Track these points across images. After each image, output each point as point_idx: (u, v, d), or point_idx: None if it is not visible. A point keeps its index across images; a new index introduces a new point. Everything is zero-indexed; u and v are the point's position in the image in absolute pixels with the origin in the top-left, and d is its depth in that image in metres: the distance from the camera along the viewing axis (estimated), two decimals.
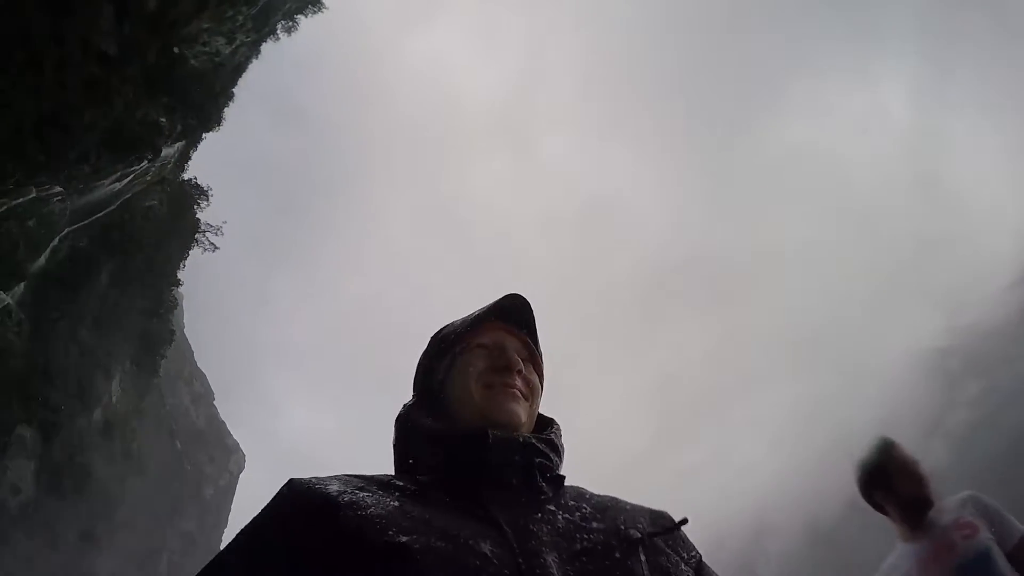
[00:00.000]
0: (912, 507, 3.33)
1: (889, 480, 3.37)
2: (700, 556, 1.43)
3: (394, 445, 1.61)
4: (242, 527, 1.31)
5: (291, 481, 1.35)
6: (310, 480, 1.34)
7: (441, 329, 1.74)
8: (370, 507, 1.25)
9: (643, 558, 1.27)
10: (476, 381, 1.57)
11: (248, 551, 1.28)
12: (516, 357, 1.61)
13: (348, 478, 1.37)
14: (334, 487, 1.31)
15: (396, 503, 1.29)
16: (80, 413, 32.02)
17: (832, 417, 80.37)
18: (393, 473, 1.54)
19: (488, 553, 1.20)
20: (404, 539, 1.18)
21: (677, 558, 1.34)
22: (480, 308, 1.71)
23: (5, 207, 22.51)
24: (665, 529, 1.39)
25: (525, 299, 1.70)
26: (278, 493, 1.33)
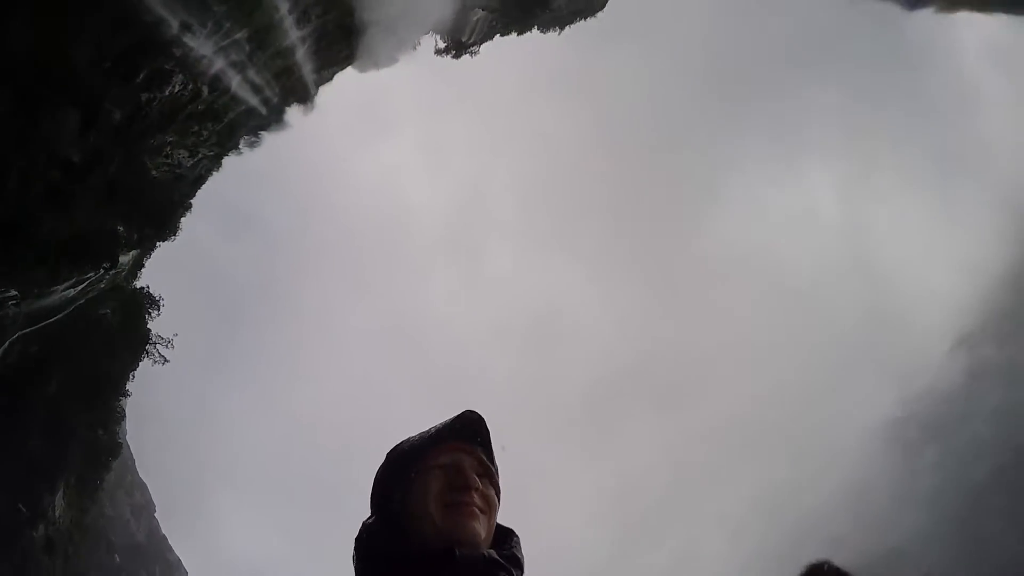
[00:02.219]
0: None
1: None
2: None
3: (355, 566, 1.64)
4: None
5: None
6: None
7: (398, 446, 1.79)
8: None
9: None
10: (436, 501, 1.62)
11: None
12: (473, 475, 1.67)
13: None
14: None
15: None
16: (23, 529, 29.79)
17: (797, 504, 79.65)
18: None
19: None
20: None
21: None
22: (436, 425, 1.78)
23: None
24: None
25: (479, 416, 1.75)
26: None
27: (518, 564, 1.59)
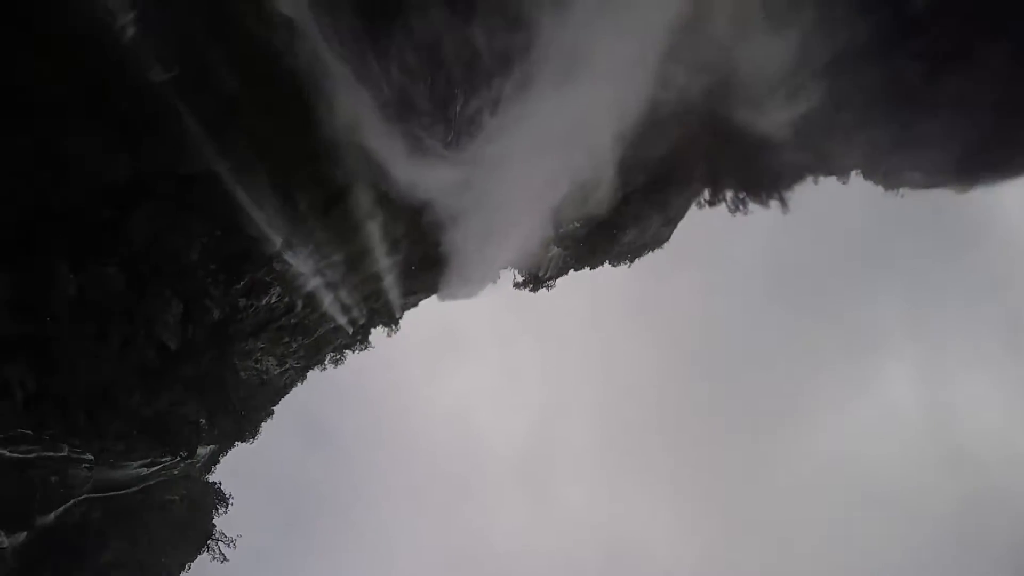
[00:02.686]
0: None
1: None
2: None
3: None
4: None
5: None
6: None
7: None
8: None
9: None
10: None
11: None
12: None
13: None
14: None
15: None
16: None
17: None
18: None
19: None
20: None
21: None
22: None
23: (35, 455, 23.78)
24: None
25: None
26: None
27: None
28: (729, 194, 41.56)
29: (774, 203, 40.91)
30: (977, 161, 36.89)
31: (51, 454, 25.45)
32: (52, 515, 27.08)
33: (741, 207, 41.58)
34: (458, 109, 34.15)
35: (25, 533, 25.73)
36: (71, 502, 27.76)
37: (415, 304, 44.02)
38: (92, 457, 27.46)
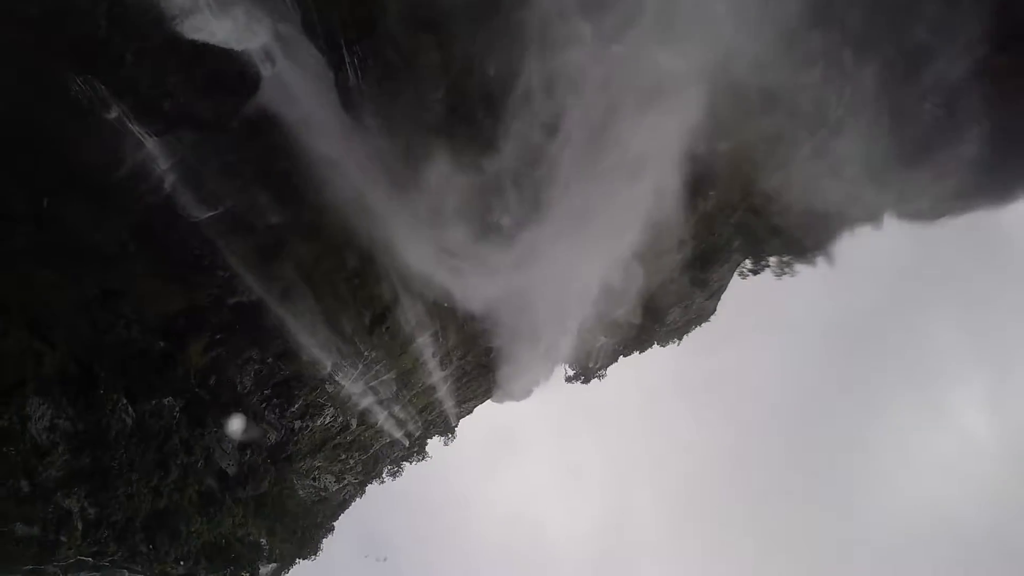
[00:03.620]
0: None
1: None
2: None
3: None
4: None
5: None
6: None
7: None
8: None
9: None
10: None
11: None
12: None
13: None
14: None
15: None
16: None
17: None
18: None
19: None
20: None
21: None
22: None
23: None
24: None
25: None
26: None
27: None
28: (773, 260, 40.96)
29: (820, 259, 40.01)
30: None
31: None
32: None
33: (787, 269, 40.84)
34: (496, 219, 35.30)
35: None
36: None
37: (470, 411, 44.32)
38: None
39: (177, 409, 29.08)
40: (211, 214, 26.88)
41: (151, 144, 22.45)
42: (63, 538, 23.61)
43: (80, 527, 24.42)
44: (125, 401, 26.30)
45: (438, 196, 32.32)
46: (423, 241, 33.52)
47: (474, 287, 36.92)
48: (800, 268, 40.45)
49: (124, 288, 24.85)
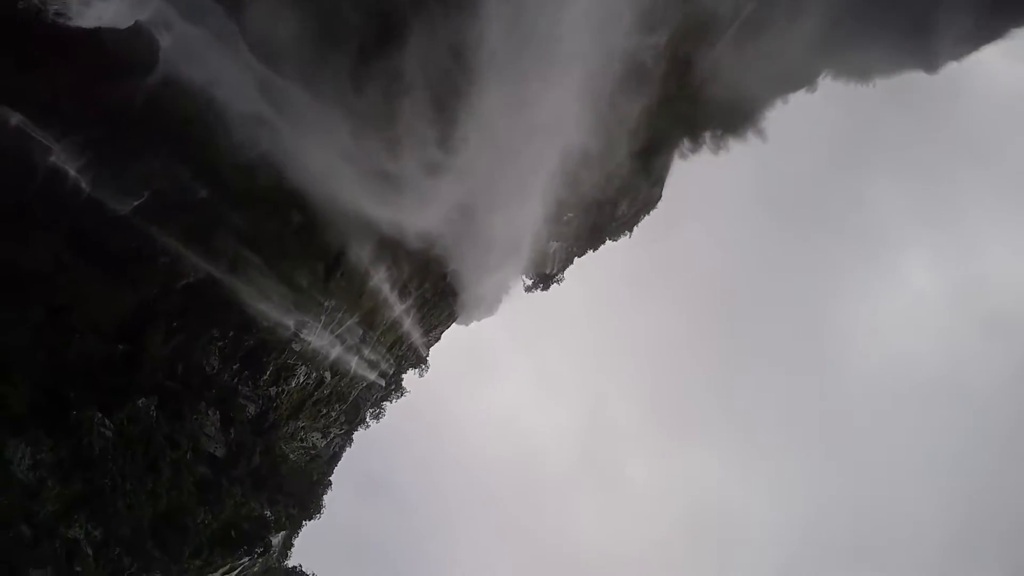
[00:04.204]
0: None
1: None
2: None
3: None
4: None
5: None
6: None
7: None
8: None
9: None
10: None
11: None
12: None
13: None
14: None
15: None
16: None
17: None
18: None
19: None
20: None
21: None
22: None
23: None
24: None
25: None
26: None
27: None
28: (708, 135, 41.34)
29: (751, 135, 40.82)
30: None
31: None
32: None
33: (722, 145, 41.46)
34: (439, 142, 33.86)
35: None
36: None
37: (438, 338, 44.06)
38: None
39: (153, 408, 27.66)
40: (137, 203, 24.71)
41: (58, 148, 20.01)
42: (77, 568, 22.64)
43: (90, 552, 23.45)
44: (100, 415, 24.73)
45: (368, 126, 30.78)
46: (360, 177, 32.08)
47: (418, 211, 35.85)
48: (733, 144, 41.05)
49: (70, 301, 22.77)
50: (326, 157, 30.39)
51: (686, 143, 41.36)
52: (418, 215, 35.92)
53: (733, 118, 39.85)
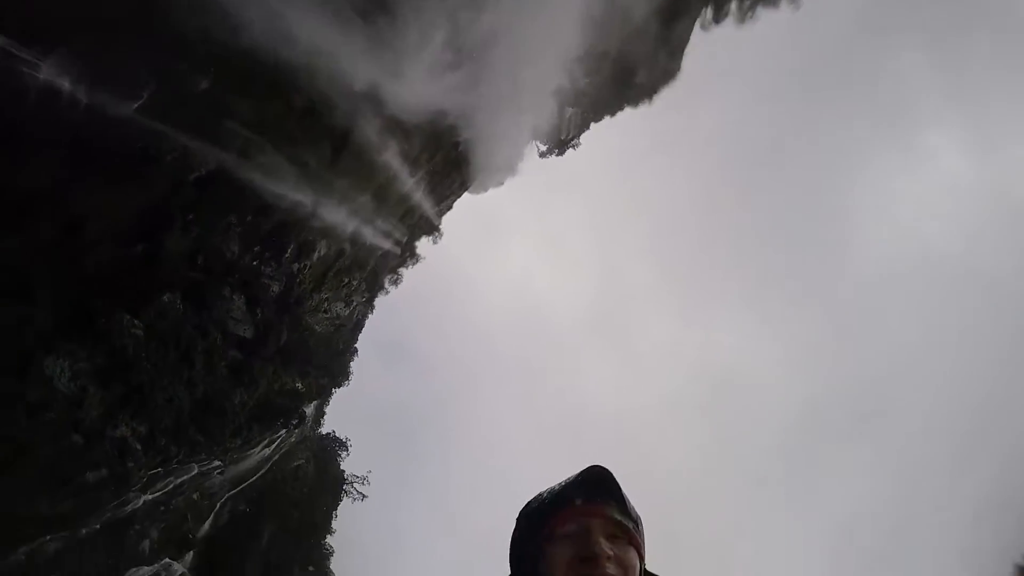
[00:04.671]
0: None
1: None
2: None
3: None
4: None
5: None
6: None
7: (527, 506, 1.76)
8: None
9: None
10: (566, 574, 1.58)
11: None
12: (602, 544, 1.59)
13: None
14: None
15: None
16: None
17: None
18: None
19: None
20: None
21: None
22: (563, 482, 1.73)
23: (171, 485, 25.17)
24: None
25: (606, 471, 1.68)
26: None
27: None
28: (734, 5, 37.46)
29: (785, 1, 36.90)
30: None
31: (185, 478, 27.19)
32: (206, 525, 29.50)
33: (749, 14, 37.66)
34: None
35: (191, 552, 28.25)
36: (217, 507, 30.07)
37: (450, 207, 43.13)
38: (220, 463, 29.25)
39: (178, 301, 27.60)
40: (137, 104, 22.92)
41: (47, 64, 18.11)
42: (130, 464, 23.74)
43: (139, 447, 24.45)
44: (128, 317, 24.74)
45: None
46: (364, 52, 29.82)
47: (426, 83, 33.76)
48: (762, 12, 36.99)
49: (81, 213, 21.87)
50: (327, 33, 28.22)
51: (708, 13, 37.49)
52: (427, 87, 33.91)
53: None
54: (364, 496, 40.03)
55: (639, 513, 1.65)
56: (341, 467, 39.90)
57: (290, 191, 31.15)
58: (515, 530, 1.70)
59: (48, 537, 21.68)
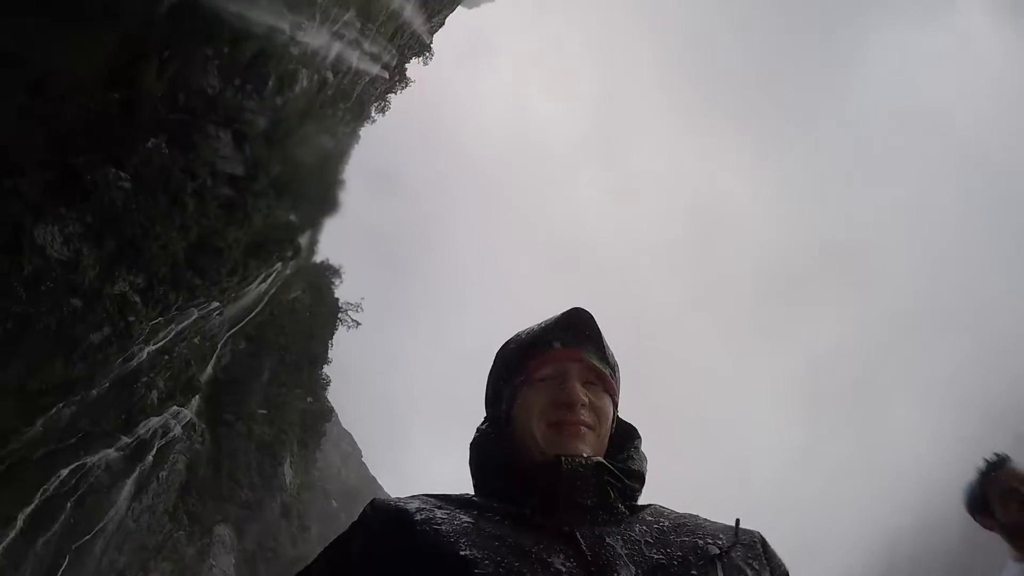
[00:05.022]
0: (1017, 532, 3.10)
1: (990, 507, 3.17)
2: (787, 571, 1.42)
3: (471, 468, 1.63)
4: (327, 544, 1.44)
5: (374, 501, 1.47)
6: (392, 500, 1.46)
7: (507, 343, 1.72)
8: (443, 523, 1.34)
9: (720, 573, 1.28)
10: (539, 419, 1.54)
11: (331, 564, 1.41)
12: (578, 390, 1.56)
13: (427, 497, 1.46)
14: (413, 505, 1.41)
15: (470, 520, 1.37)
16: (265, 504, 35.44)
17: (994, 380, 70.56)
18: (472, 493, 1.56)
19: (561, 568, 1.25)
20: (473, 553, 1.25)
21: (757, 573, 1.34)
22: (544, 322, 1.67)
23: (173, 332, 25.76)
24: (745, 544, 1.38)
25: (587, 313, 1.62)
26: (362, 512, 1.44)
27: (630, 474, 1.51)
28: None
29: None
30: None
31: (185, 323, 27.78)
32: (209, 368, 30.62)
33: None
34: None
35: (197, 395, 29.60)
36: (219, 347, 31.04)
37: (442, 23, 39.86)
38: (218, 303, 29.78)
39: (163, 145, 26.33)
40: None
41: None
42: (131, 319, 24.04)
43: (138, 300, 24.62)
44: (114, 170, 23.68)
45: None
46: None
47: None
48: None
49: (51, 67, 19.93)
50: None
51: None
52: None
53: None
54: (358, 323, 41.48)
55: (616, 360, 1.66)
56: (335, 295, 40.85)
57: (265, 15, 28.72)
58: (491, 370, 1.69)
59: (62, 404, 22.48)
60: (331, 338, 40.56)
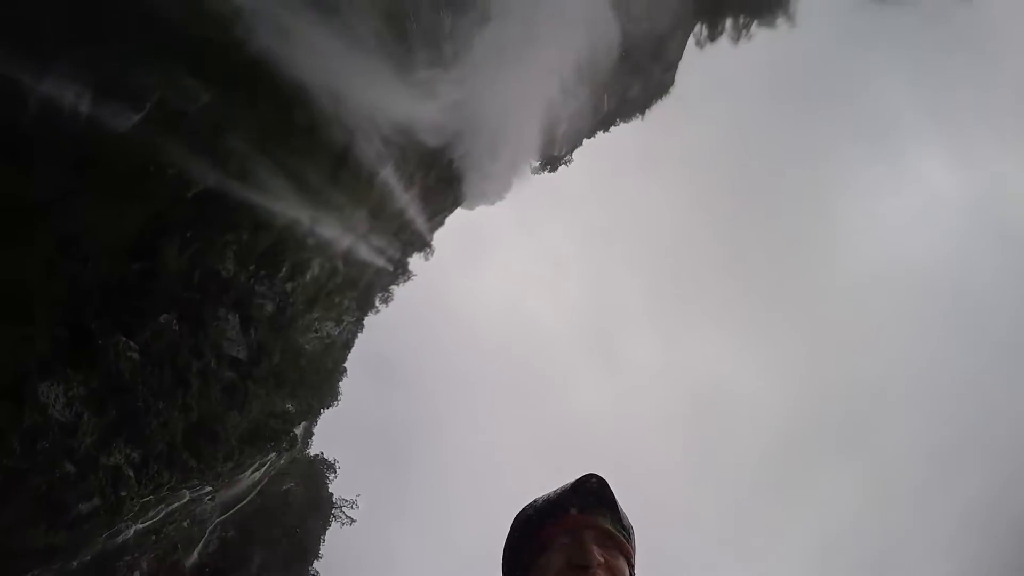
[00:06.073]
0: None
1: None
2: None
3: None
4: None
5: None
6: None
7: (524, 509, 1.72)
8: None
9: None
10: None
11: None
12: (594, 553, 1.55)
13: None
14: None
15: None
16: None
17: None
18: None
19: None
20: None
21: None
22: (558, 490, 1.69)
23: (163, 513, 23.58)
24: None
25: (601, 480, 1.67)
26: None
27: None
28: (728, 23, 37.36)
29: (780, 20, 36.86)
30: None
31: (176, 505, 25.52)
32: (195, 554, 27.76)
33: (744, 32, 37.56)
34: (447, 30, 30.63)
35: None
36: (207, 534, 28.35)
37: (442, 223, 42.11)
38: (211, 488, 27.58)
39: (174, 322, 25.97)
40: (139, 117, 21.44)
41: (49, 74, 16.67)
42: (123, 493, 22.00)
43: (132, 475, 22.74)
44: (124, 339, 23.04)
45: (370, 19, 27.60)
46: (366, 73, 29.16)
47: (425, 103, 33.27)
48: (758, 30, 36.93)
49: (79, 228, 20.21)
50: (331, 49, 27.44)
51: (703, 30, 37.35)
52: (425, 107, 33.34)
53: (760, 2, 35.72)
54: (353, 521, 38.51)
55: (631, 523, 1.65)
56: (330, 490, 38.34)
57: (287, 208, 29.96)
58: (508, 537, 1.69)
59: (37, 571, 19.93)
60: (323, 534, 37.24)
